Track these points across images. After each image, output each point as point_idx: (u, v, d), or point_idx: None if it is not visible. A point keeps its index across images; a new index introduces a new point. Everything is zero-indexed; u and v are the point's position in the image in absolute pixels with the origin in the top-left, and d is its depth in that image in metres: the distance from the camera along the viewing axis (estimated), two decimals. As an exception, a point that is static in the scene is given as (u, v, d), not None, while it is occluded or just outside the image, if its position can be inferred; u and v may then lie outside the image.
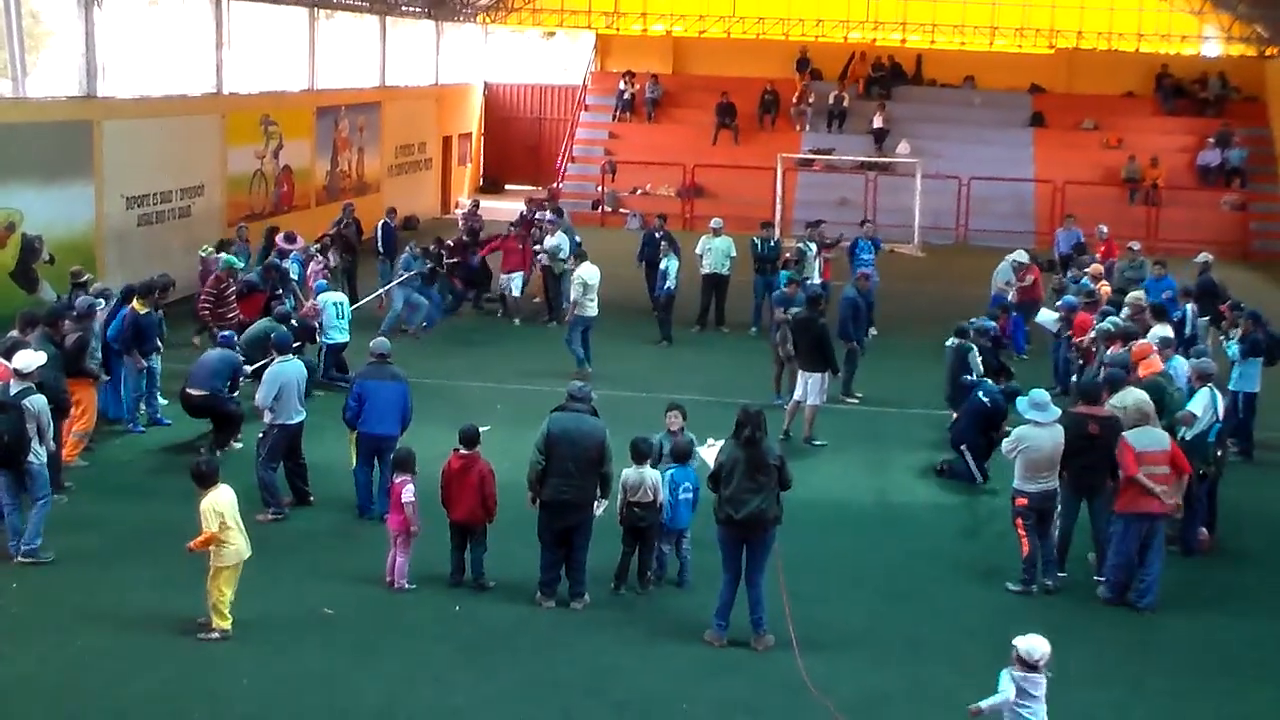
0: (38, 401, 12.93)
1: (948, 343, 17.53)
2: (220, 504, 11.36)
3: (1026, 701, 9.09)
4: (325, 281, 21.37)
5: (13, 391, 12.88)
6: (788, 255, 23.83)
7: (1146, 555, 12.70)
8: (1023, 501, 13.00)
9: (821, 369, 17.59)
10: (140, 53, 25.25)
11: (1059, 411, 13.12)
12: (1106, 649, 12.02)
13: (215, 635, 11.43)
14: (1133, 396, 13.78)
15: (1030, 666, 9.12)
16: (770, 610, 11.73)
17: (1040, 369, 20.21)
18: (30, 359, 13.18)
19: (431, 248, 24.47)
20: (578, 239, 24.77)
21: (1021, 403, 13.34)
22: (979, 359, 17.22)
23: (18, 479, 12.91)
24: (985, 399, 16.29)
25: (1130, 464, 12.49)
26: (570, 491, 12.16)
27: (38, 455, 12.90)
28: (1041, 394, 13.25)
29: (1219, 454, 14.44)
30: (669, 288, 23.29)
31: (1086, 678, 11.24)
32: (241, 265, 20.58)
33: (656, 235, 24.85)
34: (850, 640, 12.02)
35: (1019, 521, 13.05)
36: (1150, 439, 12.69)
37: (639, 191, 38.84)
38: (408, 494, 12.54)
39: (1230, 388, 17.37)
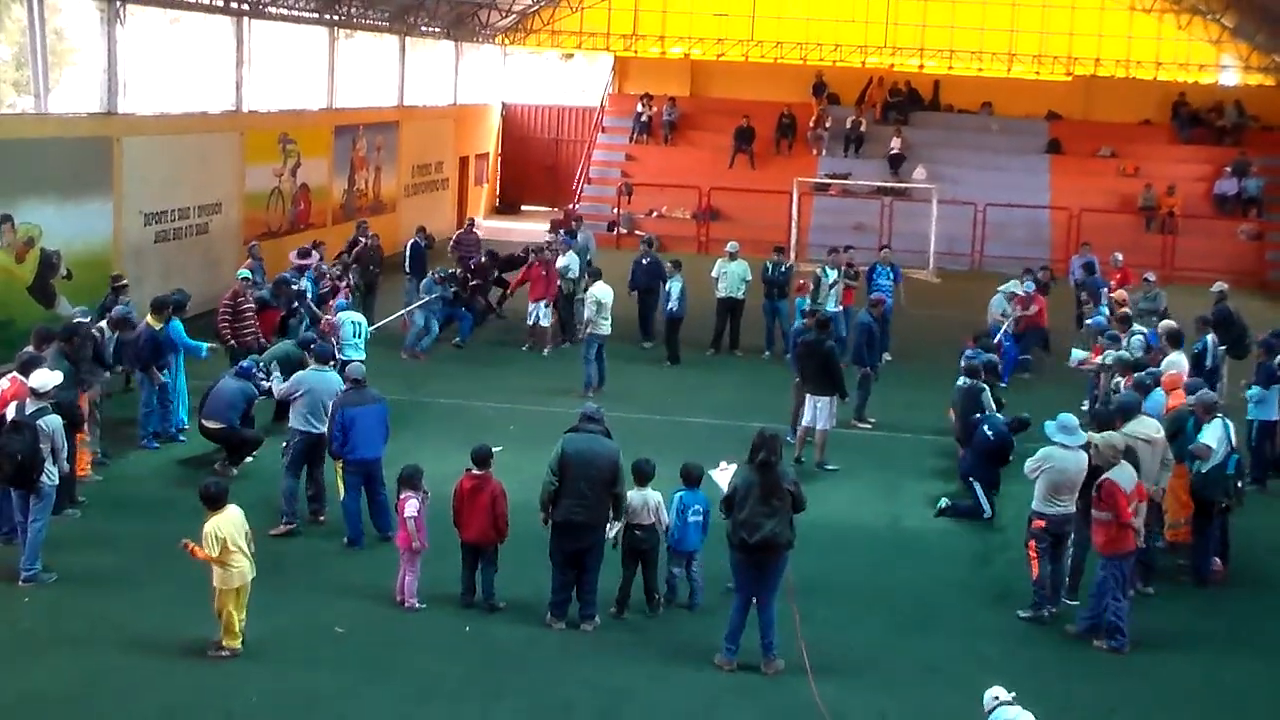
0: (53, 422, 12.93)
1: (959, 382, 17.19)
2: (224, 528, 11.33)
3: None
4: (345, 300, 21.43)
5: (29, 411, 12.90)
6: (802, 281, 23.75)
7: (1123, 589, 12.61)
8: (1040, 524, 12.95)
9: (829, 393, 17.56)
10: (161, 70, 25.42)
11: (1085, 437, 13.03)
12: (1117, 681, 11.97)
13: (225, 654, 11.45)
14: (1147, 425, 13.77)
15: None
16: (781, 634, 11.71)
17: (1059, 400, 20.12)
18: (47, 379, 13.19)
19: (457, 272, 24.68)
20: (590, 258, 24.90)
21: (1050, 426, 13.24)
22: (990, 398, 16.80)
23: (28, 500, 12.85)
24: (990, 433, 16.10)
25: (1124, 508, 12.30)
26: (583, 513, 12.17)
27: (50, 476, 12.89)
28: (1070, 418, 13.15)
29: (1239, 485, 14.35)
30: (673, 309, 23.33)
31: (1094, 711, 11.18)
32: (257, 280, 20.63)
33: (644, 261, 24.70)
34: (861, 665, 11.99)
35: (1032, 544, 13.01)
36: (1127, 475, 12.55)
37: (655, 214, 38.89)
38: (409, 509, 12.55)
39: (1247, 418, 17.33)
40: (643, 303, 24.77)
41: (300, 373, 15.33)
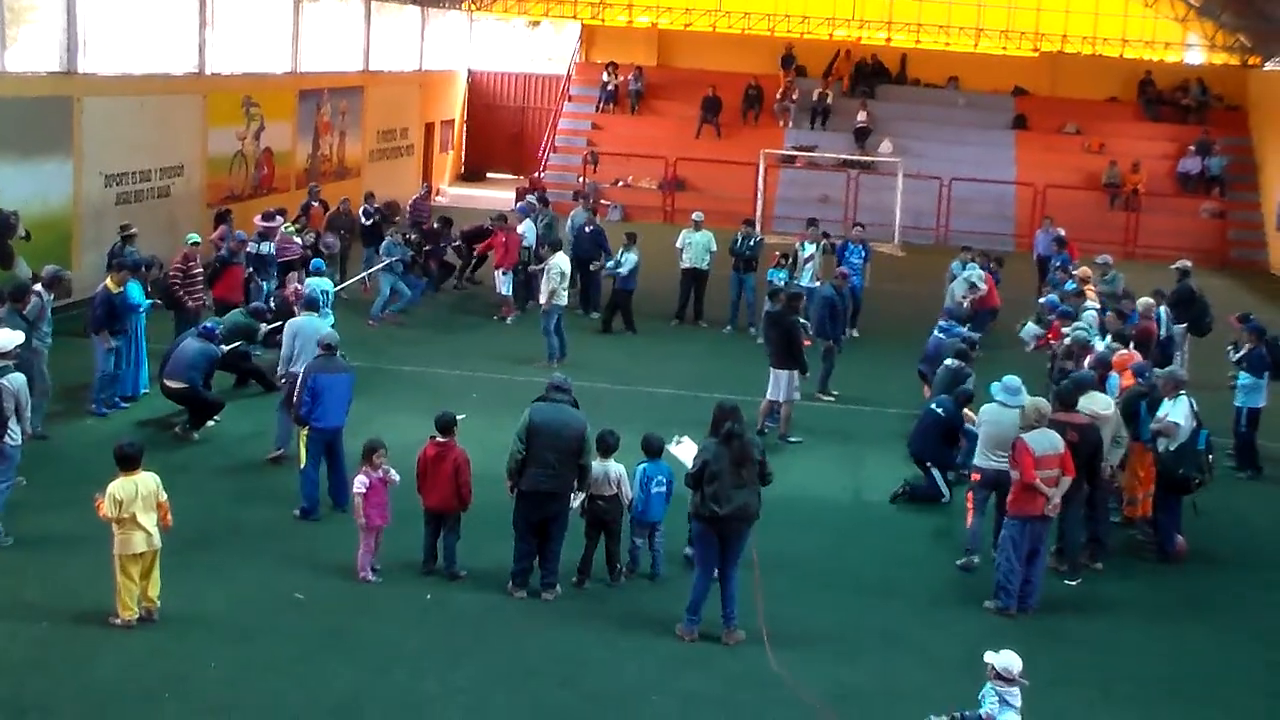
0: (16, 380, 12.80)
1: (947, 361, 16.95)
2: (121, 492, 11.10)
3: (1005, 709, 9.25)
4: (324, 262, 21.20)
5: None
6: (778, 254, 23.53)
7: (1033, 558, 12.68)
8: (976, 476, 13.69)
9: (790, 366, 17.56)
10: (122, 30, 25.06)
11: (1026, 398, 13.32)
12: (1077, 651, 12.07)
13: (118, 623, 11.21)
14: (1098, 401, 13.86)
15: (1008, 680, 9.30)
16: (742, 606, 11.74)
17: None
18: (9, 338, 13.07)
19: (411, 236, 24.50)
20: (545, 226, 24.87)
21: (994, 386, 13.79)
22: (971, 380, 16.62)
23: None
24: (939, 409, 16.00)
25: (1028, 467, 12.44)
26: (549, 482, 12.14)
27: (12, 435, 12.77)
28: (1014, 379, 13.76)
29: (1209, 458, 14.38)
30: (625, 282, 23.25)
31: (1056, 680, 11.26)
32: (197, 241, 20.26)
33: (587, 230, 24.42)
34: (822, 636, 12.04)
35: (970, 495, 13.75)
36: (1047, 441, 12.63)
37: (621, 184, 38.79)
38: (357, 484, 12.46)
39: (1235, 404, 17.37)
40: (584, 273, 24.44)
41: (293, 320, 15.94)
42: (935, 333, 18.69)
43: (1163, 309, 19.66)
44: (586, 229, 24.42)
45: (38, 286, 16.02)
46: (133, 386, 17.66)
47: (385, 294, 23.19)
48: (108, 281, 17.02)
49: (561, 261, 21.06)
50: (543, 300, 20.96)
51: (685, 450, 12.62)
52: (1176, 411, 14.10)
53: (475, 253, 26.05)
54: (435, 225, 26.07)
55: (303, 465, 14.04)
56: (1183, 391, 14.33)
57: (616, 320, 23.58)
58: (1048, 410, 12.97)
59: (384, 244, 23.66)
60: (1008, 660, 9.44)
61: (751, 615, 11.71)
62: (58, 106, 22.08)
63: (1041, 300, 21.45)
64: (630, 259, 23.29)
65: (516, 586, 12.41)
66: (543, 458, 12.07)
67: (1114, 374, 15.58)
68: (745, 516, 11.53)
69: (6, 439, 12.72)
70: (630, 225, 32.01)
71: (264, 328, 18.30)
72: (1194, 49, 42.22)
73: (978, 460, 13.70)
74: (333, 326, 18.71)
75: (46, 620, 11.35)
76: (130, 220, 21.01)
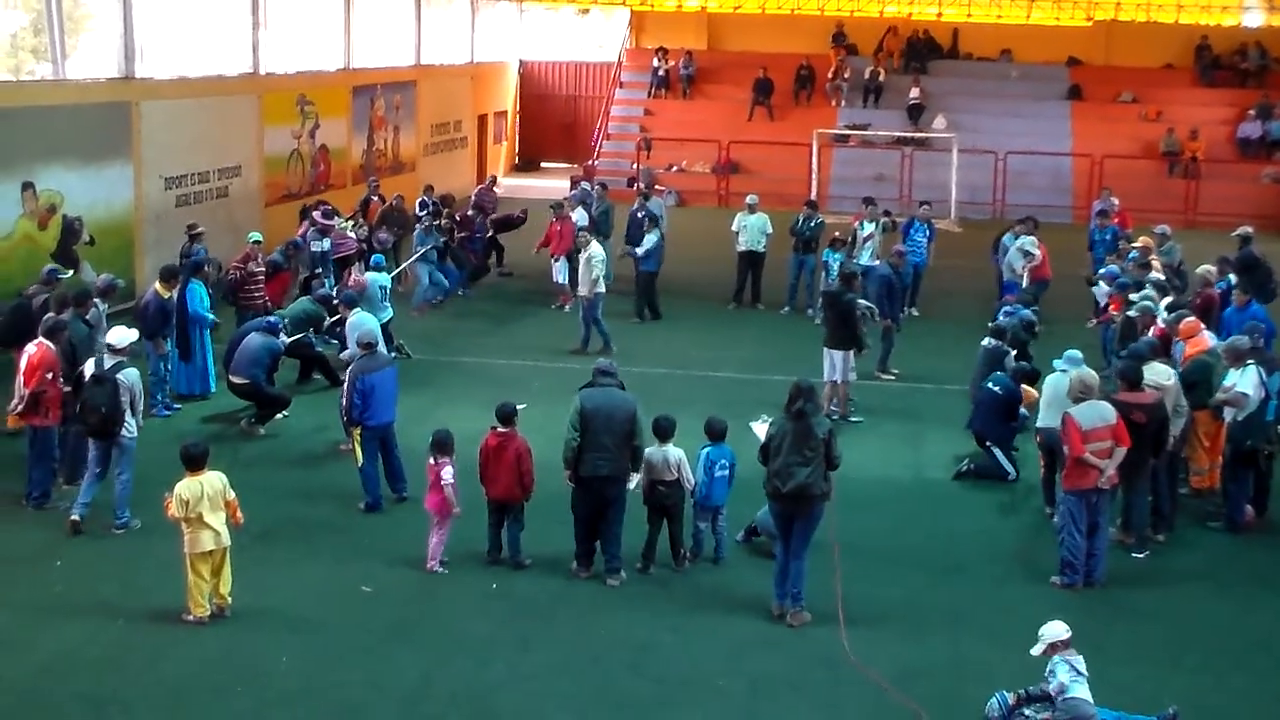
0: (131, 375, 13.32)
1: (984, 342, 16.90)
2: (187, 492, 11.28)
3: (1078, 678, 9.33)
4: (383, 257, 21.35)
5: (108, 365, 13.23)
6: (836, 234, 22.94)
7: (1095, 532, 12.58)
8: (1039, 438, 14.44)
9: (845, 346, 17.48)
10: (177, 33, 25.37)
11: (1083, 367, 13.68)
12: (1145, 624, 12.01)
13: (190, 619, 11.41)
14: (1159, 372, 13.75)
15: (1068, 645, 9.36)
16: (818, 586, 11.82)
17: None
18: (124, 335, 13.61)
19: (443, 223, 24.56)
20: (600, 214, 24.93)
21: (1057, 361, 14.36)
22: (1013, 361, 16.51)
23: (108, 451, 13.28)
24: (996, 388, 15.84)
25: (1077, 443, 12.37)
26: (607, 465, 12.25)
27: (129, 428, 13.28)
28: (1075, 352, 14.43)
29: (1278, 429, 14.14)
30: (648, 265, 23.09)
31: (1124, 655, 11.22)
32: (260, 241, 20.37)
33: (639, 215, 23.97)
34: (889, 615, 12.02)
35: (1041, 455, 14.56)
36: (1096, 414, 12.53)
37: (675, 169, 38.78)
38: (447, 475, 12.58)
39: None
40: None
41: (349, 322, 16.44)
42: (1000, 316, 18.39)
43: (1232, 277, 19.38)
44: (638, 214, 24.41)
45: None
46: (201, 385, 17.89)
47: (425, 282, 23.35)
48: (157, 286, 17.18)
49: (600, 251, 21.07)
50: (582, 291, 20.79)
51: (764, 429, 12.65)
52: (1244, 381, 13.81)
53: (536, 246, 25.88)
54: (469, 213, 25.98)
55: (360, 464, 14.13)
56: (1250, 361, 14.01)
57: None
58: (1094, 382, 12.88)
59: (416, 234, 23.83)
60: (1056, 629, 9.70)
61: (824, 596, 11.77)
62: (117, 112, 22.39)
63: (1101, 271, 21.21)
64: (650, 239, 23.11)
65: (581, 567, 12.55)
66: (598, 442, 12.19)
67: (1179, 342, 15.45)
68: (807, 495, 11.56)
69: (125, 432, 13.23)
70: (683, 210, 32.00)
71: (328, 319, 18.50)
72: (1252, 11, 41.55)
73: (1040, 421, 14.32)
74: (391, 319, 19.03)
75: (122, 618, 11.56)
76: (192, 221, 21.27)
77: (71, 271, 19.05)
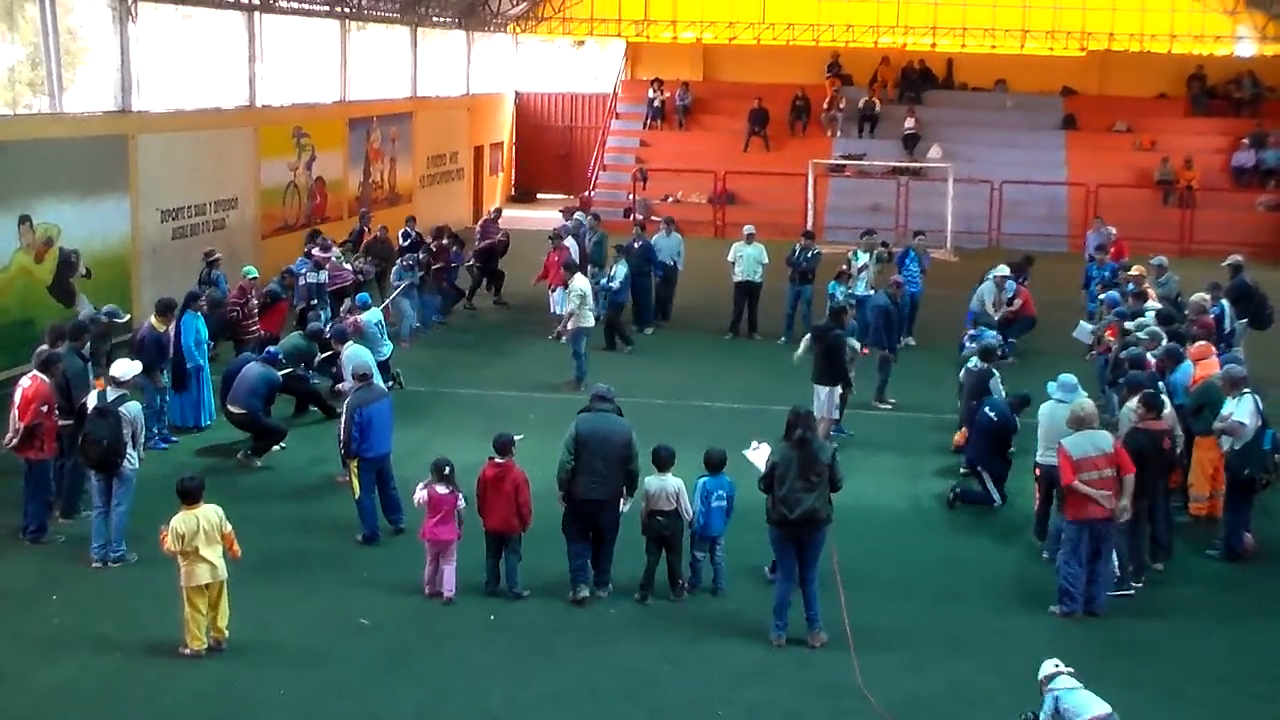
0: (133, 408, 13.39)
1: (970, 363, 17.02)
2: (183, 525, 11.27)
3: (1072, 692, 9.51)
4: (367, 295, 21.34)
5: (110, 398, 13.26)
6: (843, 268, 22.64)
7: (1095, 561, 12.53)
8: (1038, 471, 14.25)
9: (832, 382, 17.45)
10: (174, 67, 25.46)
11: (1081, 395, 13.65)
12: (1145, 653, 11.97)
13: (187, 653, 11.37)
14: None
15: (1050, 679, 9.55)
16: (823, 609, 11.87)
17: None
18: (127, 368, 13.70)
19: (421, 256, 24.48)
20: (594, 245, 24.98)
21: (1051, 385, 14.11)
22: (1000, 383, 16.61)
23: (109, 485, 13.28)
24: (992, 414, 15.77)
25: (1068, 472, 12.34)
26: (599, 489, 12.41)
27: (131, 460, 13.29)
28: (1070, 378, 14.06)
29: (1276, 460, 14.08)
30: (613, 291, 23.05)
31: (1122, 681, 11.18)
32: (254, 275, 20.42)
33: (636, 245, 24.06)
34: (888, 644, 11.99)
35: (1037, 487, 14.41)
36: (1090, 443, 12.48)
37: (670, 199, 38.86)
38: (418, 494, 12.68)
39: None
40: (636, 286, 24.21)
41: (348, 351, 16.37)
42: (965, 342, 18.55)
43: (1225, 302, 19.45)
44: (635, 244, 24.44)
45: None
46: (195, 417, 17.88)
47: (410, 314, 23.34)
48: (153, 319, 17.20)
49: (582, 284, 21.06)
50: (567, 324, 20.74)
51: (760, 455, 12.70)
52: (1241, 410, 13.79)
53: (534, 279, 25.85)
54: (444, 243, 25.76)
55: (357, 496, 14.08)
56: (1246, 389, 13.99)
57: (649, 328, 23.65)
58: (1091, 413, 12.84)
59: (394, 270, 23.84)
60: (1044, 669, 9.66)
61: (831, 621, 11.83)
62: (114, 145, 22.44)
63: (1102, 297, 21.22)
64: (620, 271, 23.13)
65: (577, 586, 12.58)
66: (592, 466, 12.35)
67: (1187, 362, 15.48)
68: (814, 520, 11.66)
69: (126, 464, 13.25)
70: (682, 238, 32.08)
71: (319, 355, 18.42)
72: (1244, 41, 41.75)
73: (1040, 456, 14.07)
74: (391, 354, 19.04)
75: (119, 651, 11.52)
76: (187, 254, 21.31)
77: (129, 316, 19.11)
